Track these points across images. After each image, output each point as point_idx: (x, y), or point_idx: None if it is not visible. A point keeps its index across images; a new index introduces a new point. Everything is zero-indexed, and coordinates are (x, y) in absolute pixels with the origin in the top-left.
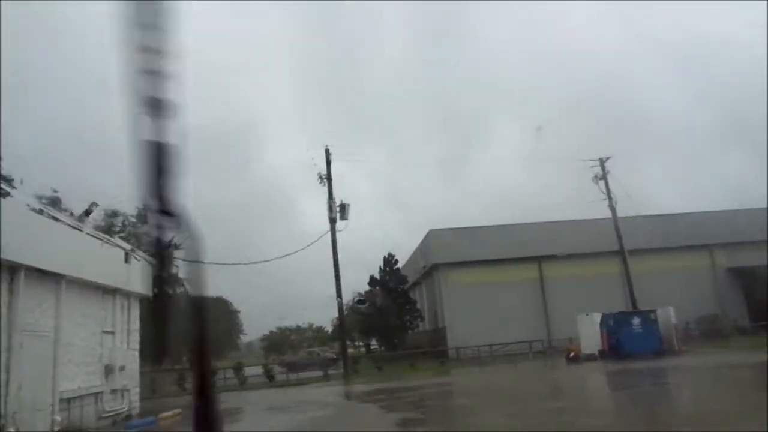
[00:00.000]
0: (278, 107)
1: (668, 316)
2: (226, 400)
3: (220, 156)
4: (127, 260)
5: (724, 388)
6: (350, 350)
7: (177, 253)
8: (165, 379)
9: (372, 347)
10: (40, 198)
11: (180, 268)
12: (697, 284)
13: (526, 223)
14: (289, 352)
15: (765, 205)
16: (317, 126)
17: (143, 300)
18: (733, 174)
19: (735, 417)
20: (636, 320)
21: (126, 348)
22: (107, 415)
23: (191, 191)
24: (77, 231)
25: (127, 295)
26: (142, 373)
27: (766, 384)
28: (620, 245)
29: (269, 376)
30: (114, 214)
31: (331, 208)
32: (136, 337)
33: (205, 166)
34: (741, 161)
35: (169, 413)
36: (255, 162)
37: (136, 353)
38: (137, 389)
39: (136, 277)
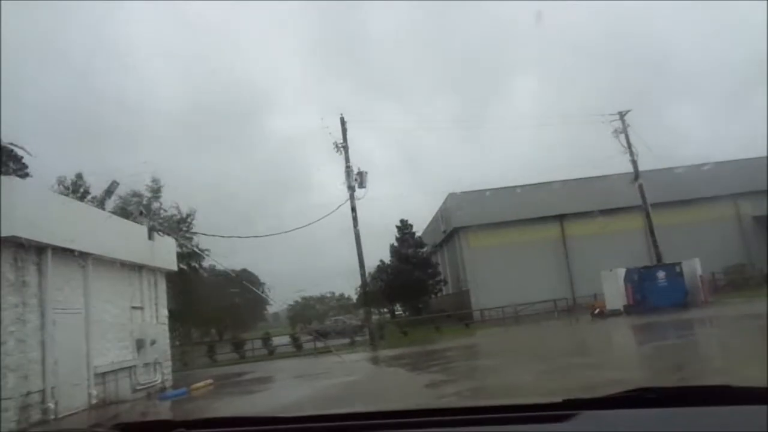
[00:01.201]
0: (289, 75)
1: (694, 268)
2: (255, 370)
3: (234, 128)
4: (150, 237)
5: (748, 338)
6: (375, 317)
7: (197, 228)
8: (195, 351)
9: (397, 313)
10: (62, 180)
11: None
12: (722, 234)
13: (545, 182)
14: (315, 321)
15: None
16: (330, 92)
17: (169, 275)
18: (760, 119)
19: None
20: (661, 273)
21: (155, 322)
22: (141, 387)
23: (208, 165)
24: (100, 210)
25: (153, 271)
26: (172, 347)
27: None
28: (643, 199)
29: (297, 345)
30: (137, 194)
31: (348, 176)
32: (164, 312)
33: (222, 139)
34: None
35: (201, 384)
36: (270, 132)
37: (166, 327)
38: (169, 362)
39: (161, 253)
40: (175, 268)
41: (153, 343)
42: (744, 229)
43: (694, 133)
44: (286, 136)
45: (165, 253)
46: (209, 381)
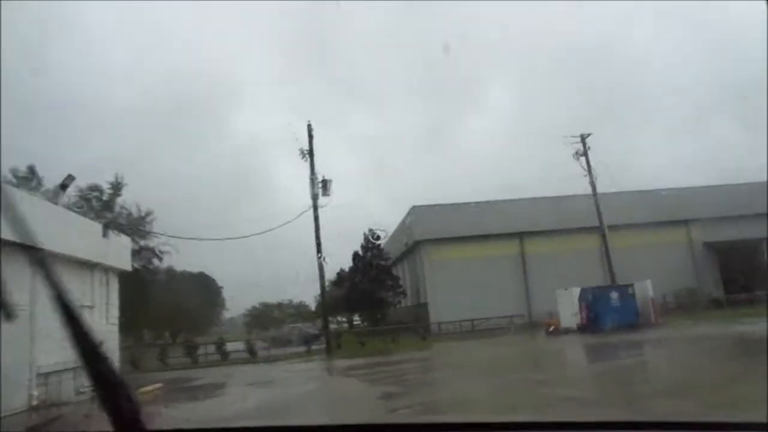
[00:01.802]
0: (256, 74)
1: (646, 289)
2: (206, 376)
3: (198, 127)
4: (105, 235)
5: (694, 359)
6: (333, 326)
7: (156, 227)
8: (146, 354)
9: (355, 323)
10: (14, 172)
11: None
12: (674, 258)
13: (507, 200)
14: (272, 327)
15: (743, 181)
16: (298, 94)
17: (123, 275)
18: (719, 147)
19: (699, 386)
20: (614, 294)
21: (105, 323)
22: (85, 389)
23: (169, 163)
24: (53, 205)
25: (106, 269)
26: (122, 348)
27: (734, 354)
28: (600, 221)
29: (251, 351)
30: (96, 188)
31: (313, 184)
32: (115, 312)
33: (185, 137)
34: (728, 134)
35: (149, 388)
36: (234, 132)
37: (116, 328)
38: (117, 364)
39: (115, 251)
40: (129, 267)
41: (101, 343)
42: (695, 255)
43: (654, 157)
44: (251, 137)
45: (119, 251)
46: (158, 385)
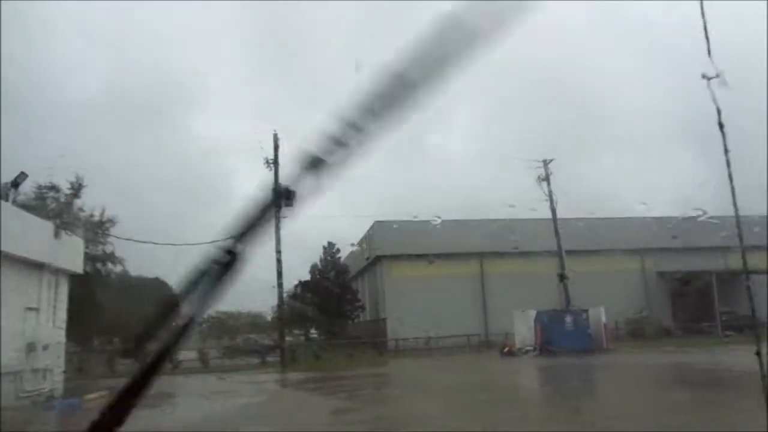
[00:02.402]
0: (219, 78)
1: (599, 315)
2: (156, 384)
3: (158, 127)
4: (56, 235)
5: (639, 385)
6: (289, 338)
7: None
8: (95, 360)
9: (311, 336)
10: None
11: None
12: (627, 286)
13: (469, 220)
14: (227, 337)
15: (695, 214)
16: (261, 99)
17: (74, 277)
18: (678, 178)
19: (642, 411)
20: (568, 319)
21: (52, 326)
22: (26, 395)
23: (128, 164)
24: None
25: (55, 271)
26: (69, 353)
27: (678, 381)
28: (558, 246)
29: (204, 361)
30: (53, 187)
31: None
32: (63, 316)
33: (144, 138)
34: (687, 167)
35: (95, 395)
36: (196, 135)
37: (63, 332)
38: (61, 369)
39: (66, 253)
40: (80, 270)
41: (45, 348)
42: (647, 283)
43: (615, 185)
44: (211, 141)
45: (71, 253)
46: (104, 392)
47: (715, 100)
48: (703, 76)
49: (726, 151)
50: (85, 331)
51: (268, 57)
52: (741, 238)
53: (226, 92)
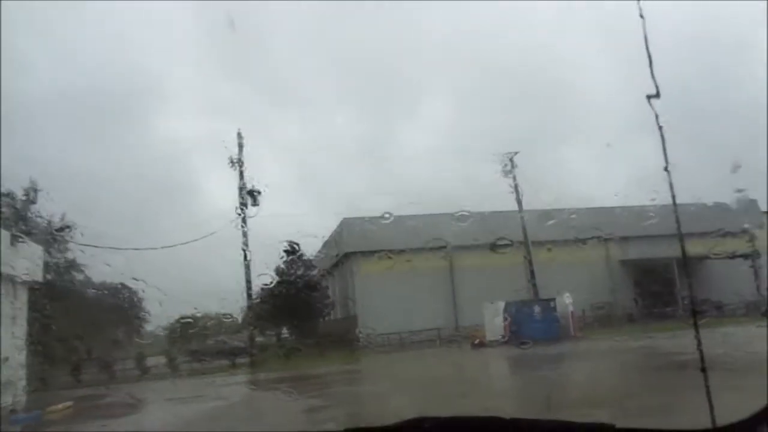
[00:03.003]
0: (180, 73)
1: (566, 304)
2: (123, 392)
3: (118, 126)
4: (13, 243)
5: (609, 370)
6: (260, 339)
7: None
8: (59, 370)
9: (282, 336)
10: None
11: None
12: (593, 275)
13: (437, 214)
14: (196, 341)
15: (658, 202)
16: (225, 96)
17: (33, 286)
18: (639, 167)
19: (614, 395)
20: (536, 308)
21: (11, 337)
22: None
23: (87, 166)
24: None
25: (13, 280)
26: (31, 365)
27: (643, 366)
28: (525, 237)
29: (173, 365)
30: (7, 194)
31: (241, 194)
32: (22, 326)
33: (104, 138)
34: (647, 156)
35: (59, 407)
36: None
37: (23, 343)
38: (23, 381)
39: (24, 261)
40: (40, 278)
41: (5, 360)
42: (612, 271)
43: (579, 176)
44: (173, 141)
45: (29, 262)
46: (68, 403)
47: (657, 120)
48: (648, 98)
49: (665, 150)
50: (48, 341)
51: (229, 54)
52: (679, 226)
53: (186, 91)
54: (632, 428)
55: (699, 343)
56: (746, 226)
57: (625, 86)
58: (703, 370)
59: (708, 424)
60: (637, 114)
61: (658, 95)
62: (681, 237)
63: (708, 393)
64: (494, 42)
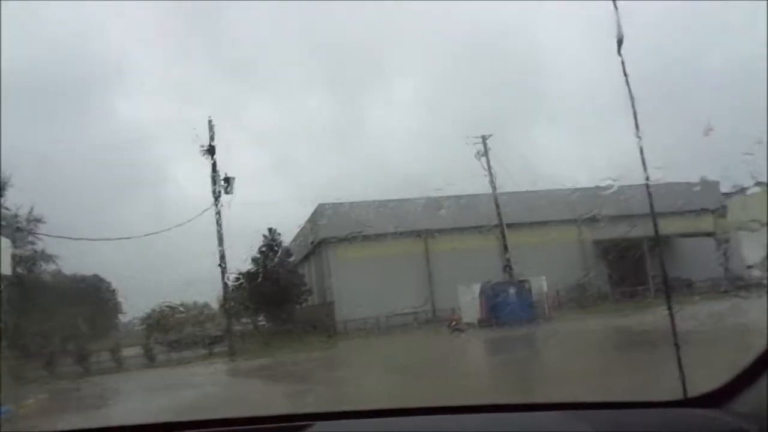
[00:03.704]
0: (144, 59)
1: (540, 285)
2: (99, 383)
3: (81, 110)
4: None
5: (583, 349)
6: (237, 327)
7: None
8: (31, 364)
9: (260, 323)
10: None
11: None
12: (566, 256)
13: (412, 198)
14: (173, 331)
15: (629, 183)
16: (191, 78)
17: (3, 279)
18: (614, 148)
19: (588, 372)
20: (511, 290)
21: None
22: None
23: (51, 153)
24: None
25: None
26: (2, 359)
27: (617, 344)
28: (499, 220)
29: (150, 356)
30: None
31: (215, 183)
32: None
33: (67, 122)
34: (622, 136)
35: (32, 401)
36: (124, 119)
37: None
38: None
39: None
40: (8, 271)
41: None
42: (585, 252)
43: (552, 157)
44: (141, 128)
45: None
46: (42, 397)
47: (623, 67)
48: (619, 42)
49: (636, 123)
50: (20, 335)
51: (196, 36)
52: (652, 206)
53: (150, 74)
54: (604, 402)
55: (672, 320)
56: (711, 206)
57: (601, 66)
58: (676, 345)
59: (680, 396)
60: (613, 94)
61: (621, 43)
62: (654, 216)
63: (680, 366)
64: (468, 22)
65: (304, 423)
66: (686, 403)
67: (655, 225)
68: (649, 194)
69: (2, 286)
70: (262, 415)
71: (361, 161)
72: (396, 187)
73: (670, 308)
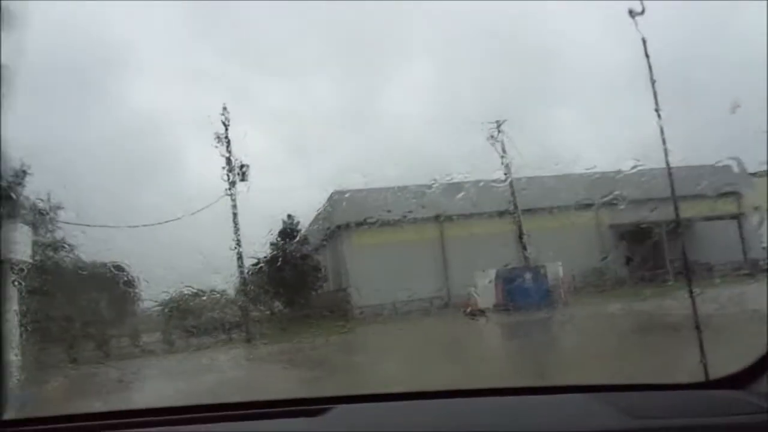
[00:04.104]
0: (155, 40)
1: (556, 270)
2: (119, 368)
3: (93, 94)
4: (0, 224)
5: (599, 334)
6: (254, 313)
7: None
8: (53, 349)
9: (277, 309)
10: None
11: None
12: (583, 240)
13: (427, 184)
14: (191, 317)
15: (647, 167)
16: (206, 68)
17: (23, 266)
18: (631, 131)
19: (605, 357)
20: (527, 275)
21: (2, 317)
22: None
23: (63, 141)
24: None
25: (2, 261)
26: (25, 344)
27: (634, 328)
28: (515, 205)
29: (169, 342)
30: None
31: (230, 171)
32: (12, 306)
33: (77, 112)
34: (640, 119)
35: (54, 384)
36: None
37: (15, 322)
38: (14, 361)
39: (12, 242)
40: (29, 259)
41: None
42: (602, 236)
43: (570, 141)
44: (154, 114)
45: (18, 242)
46: (63, 380)
47: (643, 39)
48: (631, 13)
49: (657, 104)
50: (41, 321)
51: (208, 17)
52: (673, 190)
53: (161, 57)
54: (627, 384)
55: (693, 304)
56: (733, 188)
57: (619, 45)
58: (697, 328)
59: (701, 378)
60: (632, 74)
61: (642, 12)
62: (675, 200)
63: (701, 349)
64: (485, 5)
65: (324, 406)
66: (709, 385)
67: (676, 208)
68: (670, 176)
69: (23, 273)
70: (282, 398)
71: (377, 146)
72: (412, 172)
73: (691, 292)
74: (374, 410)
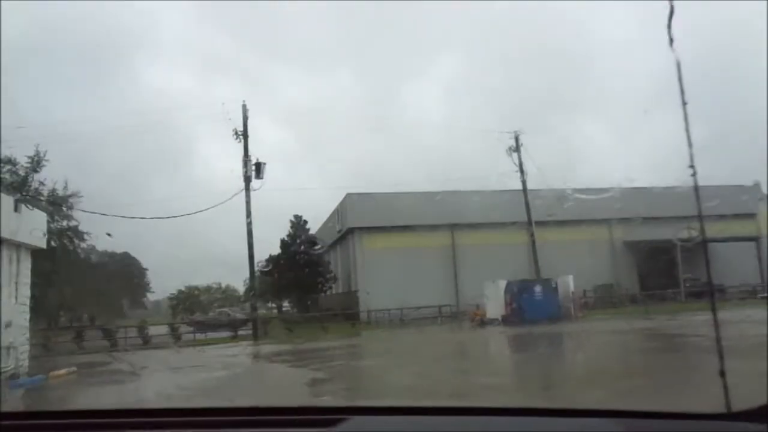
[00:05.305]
0: (174, 36)
1: (567, 284)
2: (125, 359)
3: (111, 86)
4: (17, 209)
5: (607, 351)
6: (262, 311)
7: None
8: (62, 336)
9: (284, 309)
10: None
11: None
12: (595, 255)
13: (441, 191)
14: (199, 311)
15: (664, 185)
16: (224, 56)
17: (37, 252)
18: (650, 149)
19: (611, 375)
20: (537, 288)
21: (14, 302)
22: None
23: (80, 133)
24: None
25: (17, 246)
26: (36, 330)
27: (641, 347)
28: (528, 217)
29: (175, 335)
30: (9, 161)
31: (246, 167)
32: (26, 292)
33: (99, 99)
34: (659, 138)
35: (62, 371)
36: (157, 96)
37: (27, 308)
38: (26, 346)
39: (28, 227)
40: (43, 245)
41: (8, 325)
42: (615, 252)
43: (586, 156)
44: (172, 110)
45: (33, 228)
46: (72, 368)
47: (677, 63)
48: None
49: (686, 123)
50: (52, 307)
51: (227, 7)
52: (700, 209)
53: (181, 47)
54: (641, 411)
55: (716, 327)
56: (751, 210)
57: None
58: (719, 353)
59: (722, 408)
60: (658, 89)
61: (672, 41)
62: (701, 218)
63: (723, 376)
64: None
65: (336, 417)
66: (731, 416)
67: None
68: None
69: (36, 260)
70: (292, 405)
71: (394, 149)
72: (427, 177)
73: (714, 312)
74: (390, 424)
